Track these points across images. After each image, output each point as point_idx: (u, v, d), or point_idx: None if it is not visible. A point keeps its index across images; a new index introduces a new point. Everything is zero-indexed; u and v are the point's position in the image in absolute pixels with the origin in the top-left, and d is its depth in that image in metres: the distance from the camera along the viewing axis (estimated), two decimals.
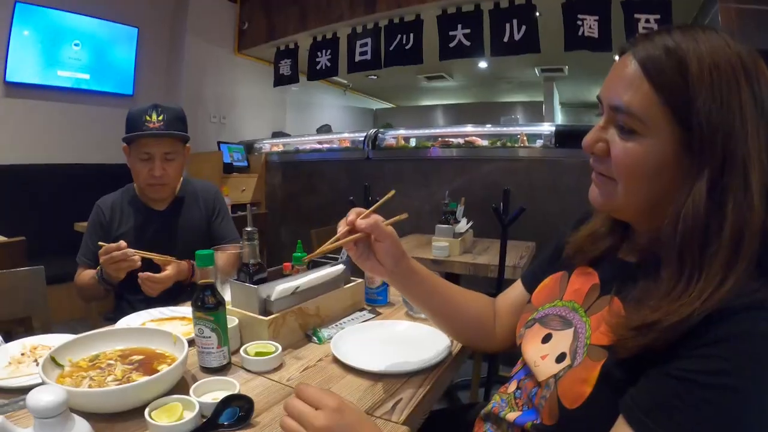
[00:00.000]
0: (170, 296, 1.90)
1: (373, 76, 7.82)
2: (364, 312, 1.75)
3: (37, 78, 5.04)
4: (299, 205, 5.47)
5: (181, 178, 2.28)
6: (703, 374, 0.69)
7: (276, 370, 1.30)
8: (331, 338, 1.46)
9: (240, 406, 1.03)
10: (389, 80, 8.52)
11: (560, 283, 1.09)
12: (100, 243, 1.84)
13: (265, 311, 1.45)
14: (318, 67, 5.70)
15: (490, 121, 5.19)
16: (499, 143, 4.54)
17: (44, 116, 5.14)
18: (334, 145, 5.53)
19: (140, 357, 1.23)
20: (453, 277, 3.00)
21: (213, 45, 6.20)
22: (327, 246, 1.12)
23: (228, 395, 1.04)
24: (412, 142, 5.05)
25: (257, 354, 1.30)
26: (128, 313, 1.73)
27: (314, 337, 1.50)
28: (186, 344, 1.18)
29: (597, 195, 0.94)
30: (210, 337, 1.23)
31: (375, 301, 1.85)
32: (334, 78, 6.83)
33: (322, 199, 5.24)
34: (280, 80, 6.10)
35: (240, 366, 1.31)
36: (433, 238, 3.10)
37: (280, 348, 1.32)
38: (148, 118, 2.02)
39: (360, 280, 1.81)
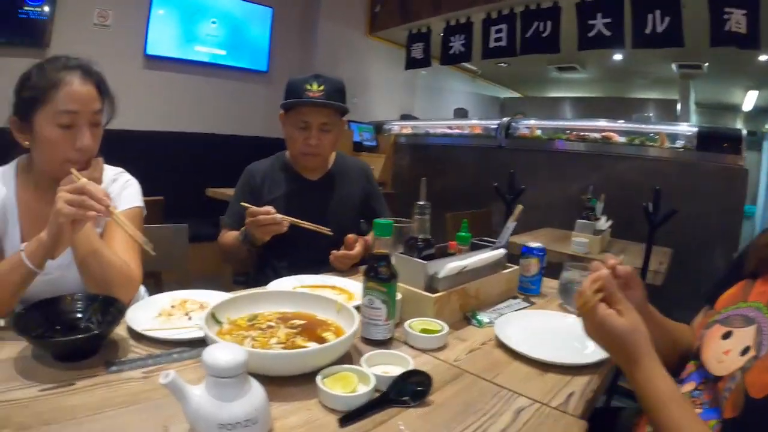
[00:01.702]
0: (314, 264, 1.83)
1: (503, 64, 7.65)
2: (518, 300, 1.64)
3: (175, 52, 5.30)
4: (427, 188, 5.31)
5: (335, 152, 2.23)
6: None
7: (441, 349, 1.21)
8: (490, 322, 1.37)
9: (416, 383, 0.95)
10: (519, 68, 8.31)
11: (743, 289, 1.04)
12: (243, 204, 1.81)
13: (431, 288, 1.36)
14: (451, 52, 5.58)
15: (620, 117, 4.87)
16: (636, 141, 4.23)
17: (182, 88, 5.40)
18: (466, 131, 5.37)
19: (302, 322, 1.16)
20: None
21: (345, 26, 6.23)
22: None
23: (408, 370, 0.97)
24: (545, 134, 4.80)
25: (423, 331, 1.21)
26: (271, 279, 1.70)
27: (473, 320, 1.41)
28: (356, 314, 1.11)
29: None
30: (380, 308, 1.15)
31: (528, 290, 1.74)
32: (463, 64, 6.71)
33: (451, 184, 5.06)
34: (411, 63, 6.03)
35: (402, 341, 1.23)
36: (572, 233, 2.95)
37: (446, 327, 1.23)
38: (308, 87, 1.98)
39: (516, 267, 1.70)
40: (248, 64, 5.81)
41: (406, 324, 1.23)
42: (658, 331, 1.10)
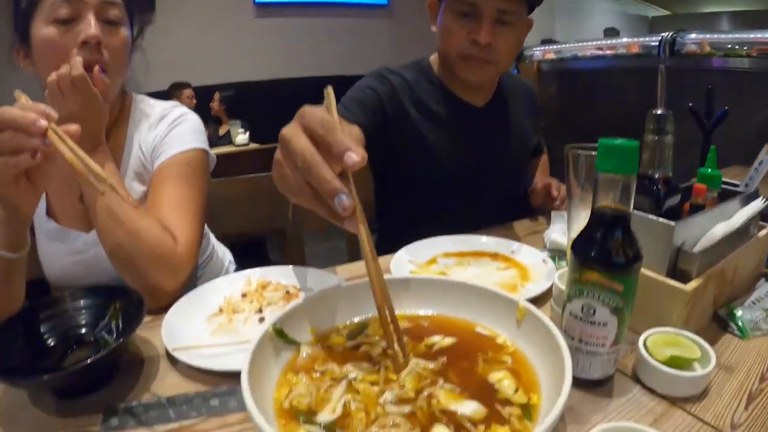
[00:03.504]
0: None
1: None
2: None
3: None
4: (576, 119, 4.59)
5: None
6: None
7: (700, 396, 0.62)
8: (760, 330, 0.77)
9: None
10: None
11: None
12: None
13: (677, 270, 0.74)
14: None
15: None
16: None
17: (297, 32, 5.26)
18: (620, 51, 4.58)
19: (448, 341, 0.61)
20: None
21: None
22: None
23: None
24: (719, 49, 3.94)
25: (672, 360, 0.62)
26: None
27: (732, 324, 0.79)
28: (559, 337, 0.53)
29: None
30: (605, 324, 0.57)
31: None
32: None
33: (605, 113, 4.33)
34: None
35: (626, 373, 0.66)
36: None
37: (711, 353, 0.63)
38: None
39: None
40: None
41: (641, 342, 0.65)
42: None
